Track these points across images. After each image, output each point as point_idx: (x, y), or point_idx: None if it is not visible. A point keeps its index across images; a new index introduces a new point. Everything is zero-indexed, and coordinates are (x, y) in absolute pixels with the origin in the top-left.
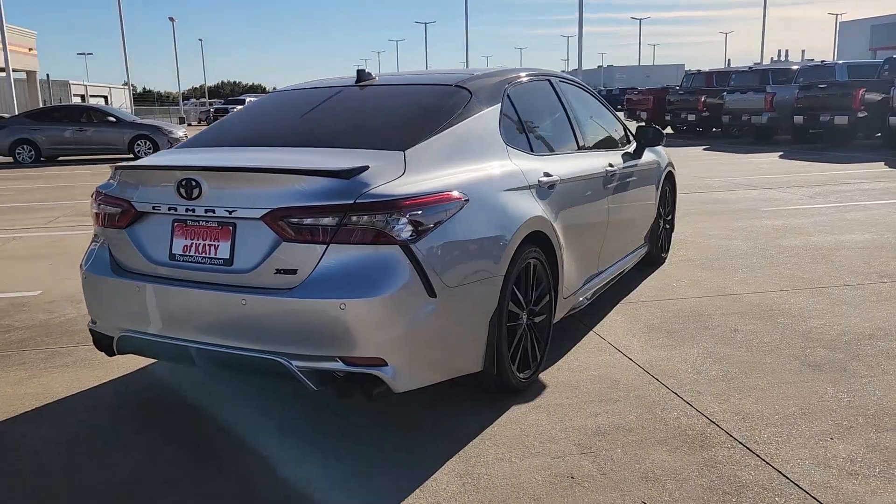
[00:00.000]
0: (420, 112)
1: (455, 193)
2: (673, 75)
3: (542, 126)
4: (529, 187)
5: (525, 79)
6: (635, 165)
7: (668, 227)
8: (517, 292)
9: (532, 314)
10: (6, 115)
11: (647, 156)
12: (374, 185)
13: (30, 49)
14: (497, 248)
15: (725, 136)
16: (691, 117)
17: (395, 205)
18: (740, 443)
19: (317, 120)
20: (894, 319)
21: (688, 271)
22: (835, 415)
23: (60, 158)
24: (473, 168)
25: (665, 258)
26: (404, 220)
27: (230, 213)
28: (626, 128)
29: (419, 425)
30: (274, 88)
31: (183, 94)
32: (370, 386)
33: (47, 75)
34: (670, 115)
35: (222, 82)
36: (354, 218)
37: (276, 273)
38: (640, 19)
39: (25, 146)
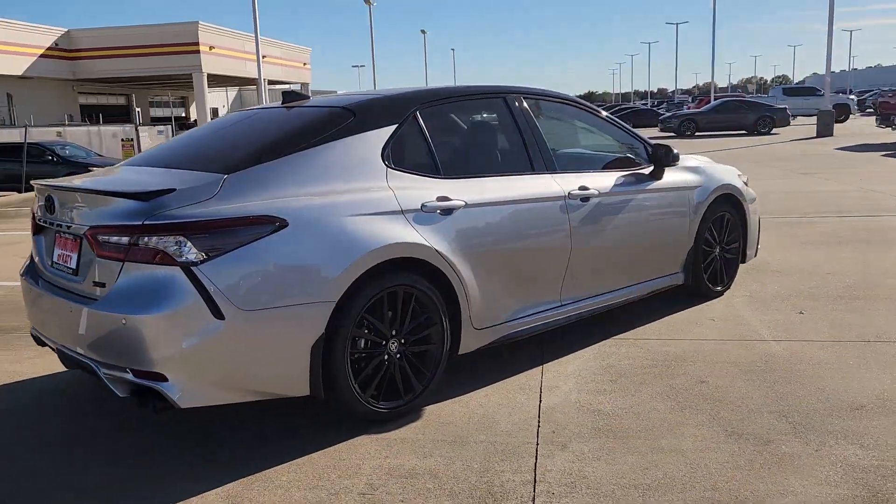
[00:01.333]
0: (282, 136)
1: (265, 217)
2: None
3: (468, 147)
4: (403, 212)
5: (449, 99)
6: (643, 187)
7: (728, 256)
8: (373, 321)
9: (408, 343)
10: None
11: (676, 177)
12: (169, 208)
13: (304, 64)
14: (325, 274)
15: None
16: None
17: (181, 227)
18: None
19: (209, 141)
20: None
21: (736, 309)
22: None
23: None
24: (319, 191)
25: (722, 292)
26: (189, 243)
27: (69, 227)
28: (648, 147)
29: (224, 442)
30: None
31: None
32: (155, 399)
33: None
34: None
35: None
36: (144, 238)
37: (93, 284)
38: None
39: None
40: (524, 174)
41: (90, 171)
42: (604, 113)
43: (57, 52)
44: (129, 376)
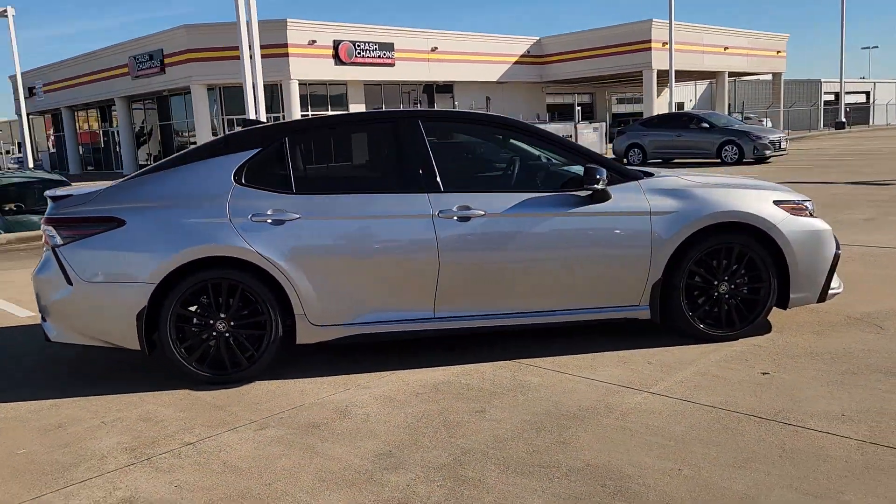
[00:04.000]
0: (172, 157)
1: (107, 217)
2: None
3: (333, 168)
4: (231, 221)
5: (322, 127)
6: (563, 210)
7: (746, 296)
8: (198, 303)
9: (237, 326)
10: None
11: (626, 201)
12: (61, 209)
13: (778, 52)
14: (148, 262)
15: None
16: None
17: (54, 221)
18: None
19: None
20: None
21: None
22: None
23: (656, 161)
24: (166, 200)
25: (731, 337)
26: (56, 232)
27: None
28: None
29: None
30: None
31: None
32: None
33: (777, 76)
34: None
35: None
36: (43, 227)
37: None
38: None
39: (636, 150)
40: (390, 192)
41: None
42: (554, 133)
43: (529, 58)
44: (40, 317)
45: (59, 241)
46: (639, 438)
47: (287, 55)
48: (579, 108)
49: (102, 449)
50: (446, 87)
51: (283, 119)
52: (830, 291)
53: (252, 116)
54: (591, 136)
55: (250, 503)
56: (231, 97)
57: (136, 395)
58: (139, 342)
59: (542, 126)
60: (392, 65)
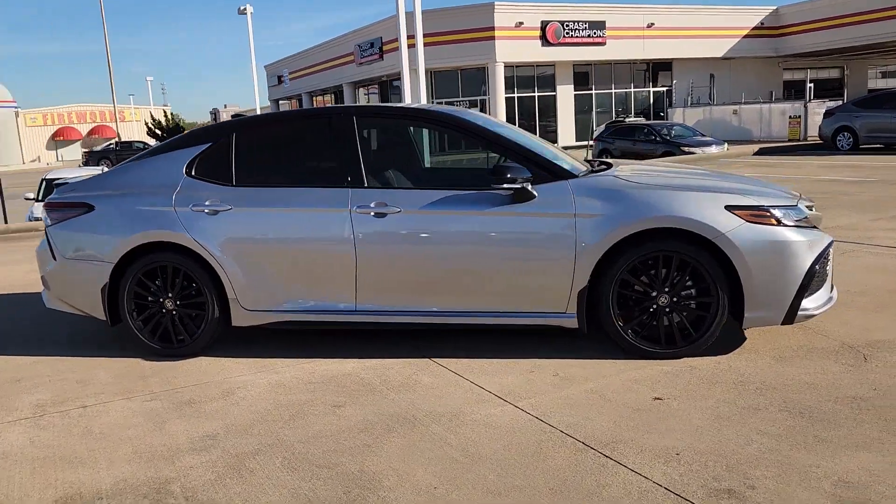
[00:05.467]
0: (147, 150)
1: (80, 203)
2: None
3: (270, 162)
4: (175, 209)
5: (266, 123)
6: (482, 210)
7: (694, 311)
8: (147, 283)
9: (180, 305)
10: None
11: (551, 202)
12: (59, 193)
13: None
14: (108, 244)
15: None
16: None
17: (48, 205)
18: None
19: None
20: None
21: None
22: None
23: (872, 147)
24: (130, 189)
25: (670, 355)
26: (47, 214)
27: None
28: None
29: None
30: None
31: None
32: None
33: None
34: None
35: None
36: (42, 210)
37: None
38: None
39: (845, 133)
40: (317, 186)
41: (685, 150)
42: (492, 128)
43: (762, 30)
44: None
45: (49, 221)
46: (438, 451)
47: (493, 38)
48: (811, 84)
49: (22, 403)
50: (664, 65)
51: (487, 102)
52: (802, 312)
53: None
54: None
55: (61, 465)
56: (442, 81)
57: (95, 360)
58: (104, 313)
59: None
60: (603, 44)
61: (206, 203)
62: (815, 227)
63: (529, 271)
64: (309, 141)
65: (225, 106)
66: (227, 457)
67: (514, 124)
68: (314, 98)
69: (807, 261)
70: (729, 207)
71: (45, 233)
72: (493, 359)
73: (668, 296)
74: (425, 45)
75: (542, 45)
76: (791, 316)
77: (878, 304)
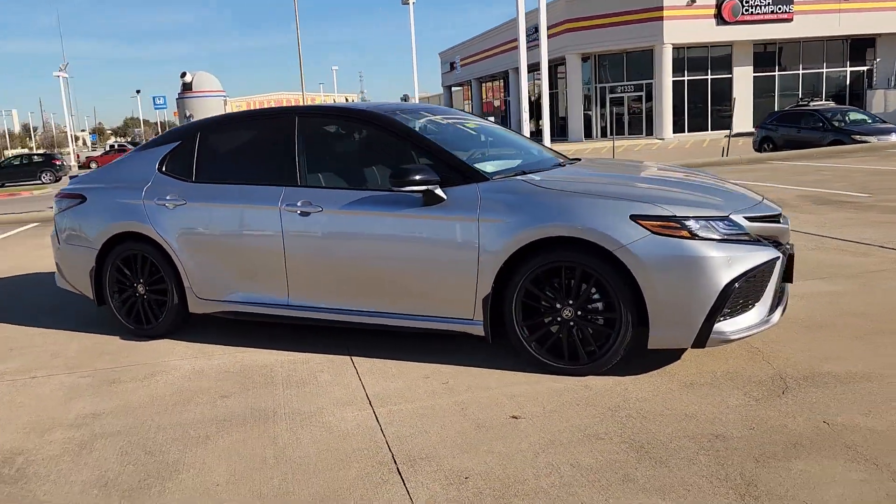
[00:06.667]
0: (140, 146)
1: (76, 194)
2: None
3: (225, 160)
4: (143, 202)
5: (227, 123)
6: (396, 211)
7: (598, 326)
8: (124, 269)
9: (149, 291)
10: None
11: (461, 206)
12: (69, 185)
13: None
14: (94, 231)
15: None
16: None
17: (58, 195)
18: None
19: None
20: None
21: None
22: None
23: None
24: (116, 183)
25: (571, 371)
26: (56, 203)
27: None
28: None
29: None
30: None
31: None
32: None
33: None
34: None
35: None
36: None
37: None
38: None
39: None
40: (259, 184)
41: (857, 138)
42: (413, 129)
43: None
44: None
45: (56, 210)
46: (258, 450)
47: (661, 19)
48: None
49: None
50: (864, 42)
51: (653, 86)
52: (716, 336)
53: (524, 98)
54: None
55: None
56: (607, 65)
57: (79, 335)
58: (92, 293)
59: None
60: (789, 20)
61: (168, 198)
62: (759, 240)
63: (437, 276)
64: (257, 140)
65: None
66: (86, 436)
67: (683, 109)
68: (483, 84)
69: (721, 279)
70: (634, 217)
71: (54, 220)
72: (403, 361)
73: (571, 309)
74: (587, 28)
75: (717, 24)
76: (702, 339)
77: (868, 330)
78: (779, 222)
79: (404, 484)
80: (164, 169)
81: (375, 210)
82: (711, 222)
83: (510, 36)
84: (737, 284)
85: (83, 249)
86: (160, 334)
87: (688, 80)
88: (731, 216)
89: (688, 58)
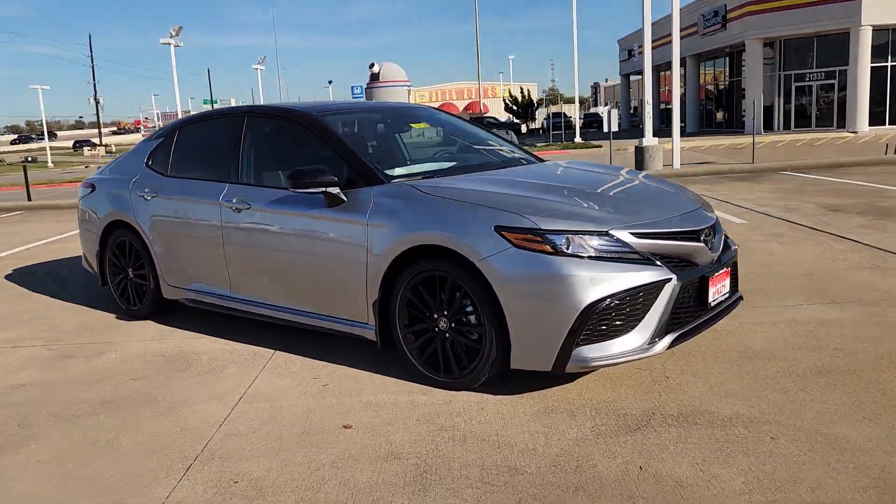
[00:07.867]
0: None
1: (90, 184)
2: None
3: (194, 156)
4: (129, 193)
5: (199, 121)
6: (302, 212)
7: (450, 339)
8: (117, 254)
9: (134, 276)
10: None
11: (355, 209)
12: (95, 174)
13: None
14: (97, 217)
15: None
16: None
17: (82, 184)
18: None
19: None
20: None
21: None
22: None
23: None
24: (117, 175)
25: (451, 385)
26: (81, 190)
27: None
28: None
29: None
30: None
31: None
32: None
33: None
34: None
35: None
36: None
37: None
38: None
39: None
40: (216, 181)
41: None
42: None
43: None
44: None
45: (79, 196)
46: (101, 434)
47: None
48: None
49: None
50: None
51: (847, 74)
52: (576, 362)
53: (649, 95)
54: None
55: None
56: (792, 50)
57: (89, 310)
58: (98, 273)
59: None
60: None
61: (146, 190)
62: (649, 259)
63: (336, 277)
64: (216, 138)
65: (606, 80)
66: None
67: (885, 100)
68: (660, 73)
69: (582, 299)
70: (499, 228)
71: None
72: (315, 360)
73: (446, 320)
74: (772, 10)
75: None
76: (561, 363)
77: (812, 369)
78: (697, 240)
79: (178, 482)
80: (150, 163)
81: (291, 209)
82: (582, 237)
83: (688, 21)
84: (603, 305)
85: (91, 234)
86: (143, 315)
87: (891, 65)
88: (611, 231)
89: (891, 41)
